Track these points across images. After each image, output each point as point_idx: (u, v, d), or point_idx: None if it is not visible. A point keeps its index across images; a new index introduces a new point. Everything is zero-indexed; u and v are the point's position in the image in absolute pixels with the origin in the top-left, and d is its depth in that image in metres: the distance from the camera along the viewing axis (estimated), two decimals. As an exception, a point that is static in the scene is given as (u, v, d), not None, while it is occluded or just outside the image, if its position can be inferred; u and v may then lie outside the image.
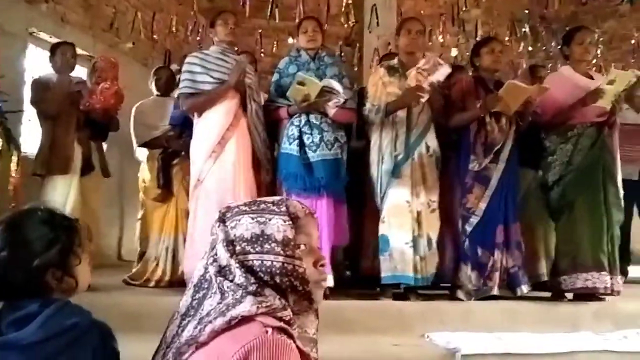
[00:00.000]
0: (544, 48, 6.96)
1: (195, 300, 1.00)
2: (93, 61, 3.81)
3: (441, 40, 6.83)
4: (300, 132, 3.11)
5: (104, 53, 5.11)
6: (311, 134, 3.10)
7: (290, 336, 0.93)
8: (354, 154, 3.35)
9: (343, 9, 6.55)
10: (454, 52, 6.83)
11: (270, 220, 0.99)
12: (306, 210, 1.04)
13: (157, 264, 3.54)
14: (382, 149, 3.17)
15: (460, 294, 3.12)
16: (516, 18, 7.03)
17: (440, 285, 3.28)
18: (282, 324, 0.94)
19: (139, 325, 2.39)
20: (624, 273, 4.33)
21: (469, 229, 3.14)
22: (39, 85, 3.44)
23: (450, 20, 6.74)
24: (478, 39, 5.49)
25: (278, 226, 0.98)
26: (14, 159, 3.47)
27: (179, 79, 3.28)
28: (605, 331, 2.88)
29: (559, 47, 3.59)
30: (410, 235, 3.05)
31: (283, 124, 3.26)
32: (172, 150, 3.61)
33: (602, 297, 3.14)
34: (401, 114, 3.17)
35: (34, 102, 3.43)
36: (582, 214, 3.14)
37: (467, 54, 4.62)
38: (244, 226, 0.99)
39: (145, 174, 3.78)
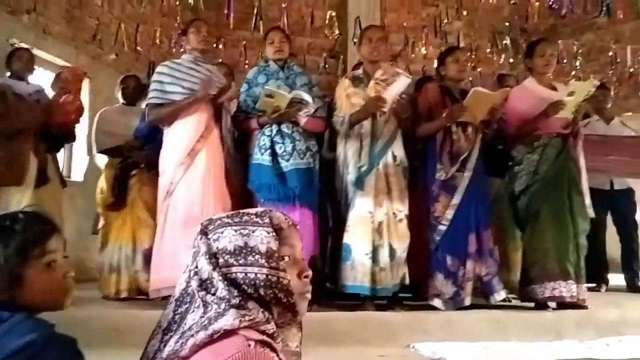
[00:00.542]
0: (524, 60, 7.07)
1: (178, 315, 0.98)
2: (58, 72, 3.76)
3: (424, 52, 6.90)
4: (272, 142, 3.11)
5: (87, 65, 5.09)
6: (283, 143, 3.10)
7: (274, 350, 0.93)
8: (326, 164, 3.35)
9: (327, 21, 6.61)
10: (436, 63, 6.91)
11: (253, 232, 0.98)
12: (289, 221, 1.04)
13: (116, 273, 3.51)
14: (347, 160, 3.19)
15: (437, 302, 3.12)
16: (497, 30, 7.15)
17: (424, 296, 3.29)
18: (265, 337, 0.93)
19: (121, 340, 2.37)
20: (605, 281, 4.40)
21: (437, 237, 3.15)
22: None
23: (432, 32, 6.84)
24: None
25: (262, 238, 0.98)
26: None
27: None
28: (588, 339, 2.91)
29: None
30: (370, 246, 3.04)
31: (253, 135, 3.26)
32: (132, 160, 3.59)
33: (583, 305, 3.17)
34: (367, 124, 3.18)
35: None
36: (548, 223, 3.18)
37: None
38: (227, 238, 0.98)
39: (102, 183, 3.73)
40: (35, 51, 4.47)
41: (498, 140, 3.38)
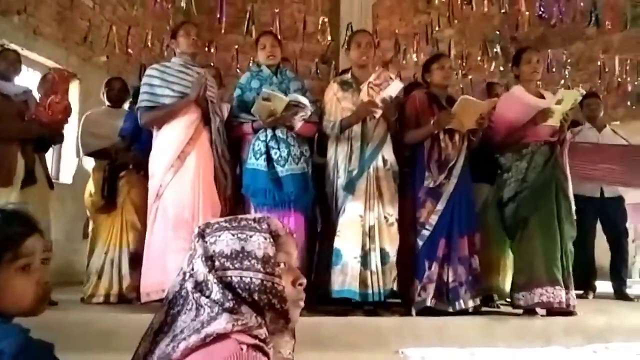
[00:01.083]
0: (514, 68, 7.15)
1: (170, 317, 0.98)
2: (45, 72, 3.73)
3: (415, 59, 6.95)
4: (267, 147, 3.10)
5: (77, 66, 5.06)
6: (278, 148, 3.10)
7: (266, 354, 0.93)
8: (316, 169, 3.34)
9: (319, 27, 6.62)
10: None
11: (251, 237, 0.98)
12: (286, 229, 1.04)
13: (100, 278, 3.48)
14: (337, 165, 3.18)
15: (413, 309, 3.10)
16: (488, 39, 7.22)
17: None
18: (257, 341, 0.93)
19: (110, 344, 2.35)
20: (592, 288, 4.44)
21: (420, 242, 3.16)
22: None
23: (424, 39, 6.88)
24: (451, 58, 5.61)
25: (259, 243, 0.98)
26: None
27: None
28: (575, 346, 2.93)
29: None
30: (360, 250, 3.04)
31: (247, 140, 3.25)
32: (120, 162, 3.57)
33: (572, 312, 3.19)
34: (356, 128, 3.18)
35: None
36: (536, 230, 3.19)
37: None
38: (224, 242, 0.98)
39: (90, 186, 3.69)
40: (26, 52, 4.46)
41: (485, 148, 3.39)
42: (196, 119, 3.10)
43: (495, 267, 3.46)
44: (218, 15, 5.88)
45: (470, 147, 3.30)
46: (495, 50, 7.00)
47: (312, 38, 6.73)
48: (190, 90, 3.08)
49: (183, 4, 5.78)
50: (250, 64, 6.71)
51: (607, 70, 6.52)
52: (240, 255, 0.97)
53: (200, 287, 0.97)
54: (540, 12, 6.10)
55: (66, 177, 5.06)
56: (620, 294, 4.32)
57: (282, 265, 1.00)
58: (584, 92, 3.37)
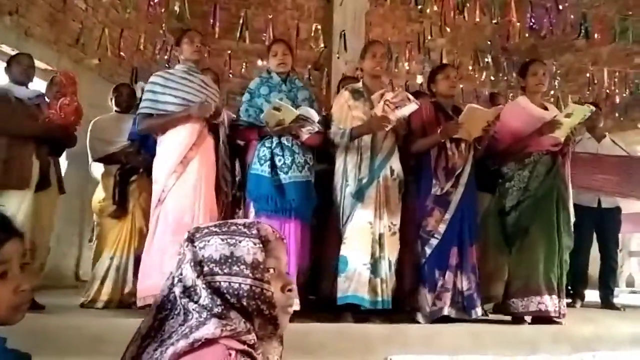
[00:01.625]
0: (505, 78, 7.23)
1: (158, 321, 0.98)
2: (52, 75, 3.73)
3: (407, 68, 6.99)
4: (272, 154, 3.10)
5: (69, 68, 5.03)
6: (283, 155, 3.10)
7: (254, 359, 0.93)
8: (315, 176, 3.34)
9: (312, 34, 6.65)
10: (419, 79, 7.01)
11: (240, 242, 0.98)
12: (277, 234, 1.04)
13: (103, 283, 3.45)
14: (346, 173, 3.18)
15: (419, 317, 3.13)
16: (479, 48, 7.28)
17: (401, 308, 3.29)
18: (246, 347, 0.93)
19: (98, 349, 2.32)
20: (581, 297, 4.47)
21: (428, 251, 3.17)
22: None
23: (416, 48, 6.92)
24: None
25: (248, 248, 0.98)
26: None
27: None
28: (562, 354, 2.94)
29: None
30: (369, 257, 3.04)
31: (251, 145, 3.25)
32: (130, 166, 3.56)
33: (558, 320, 3.21)
34: (366, 138, 3.20)
35: None
36: (537, 238, 3.22)
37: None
38: (213, 247, 0.98)
39: (99, 194, 3.69)
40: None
41: (488, 158, 3.42)
42: (200, 125, 3.09)
43: (499, 276, 3.47)
44: (211, 20, 5.88)
45: (475, 155, 3.33)
46: (486, 60, 7.07)
47: (305, 45, 6.74)
48: (192, 107, 3.02)
49: (176, 8, 5.77)
50: (244, 69, 6.75)
51: (596, 81, 6.59)
52: (229, 260, 0.97)
53: (188, 292, 0.97)
54: (531, 24, 6.17)
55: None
56: (607, 303, 4.36)
57: (271, 270, 1.00)
58: (594, 109, 3.42)
